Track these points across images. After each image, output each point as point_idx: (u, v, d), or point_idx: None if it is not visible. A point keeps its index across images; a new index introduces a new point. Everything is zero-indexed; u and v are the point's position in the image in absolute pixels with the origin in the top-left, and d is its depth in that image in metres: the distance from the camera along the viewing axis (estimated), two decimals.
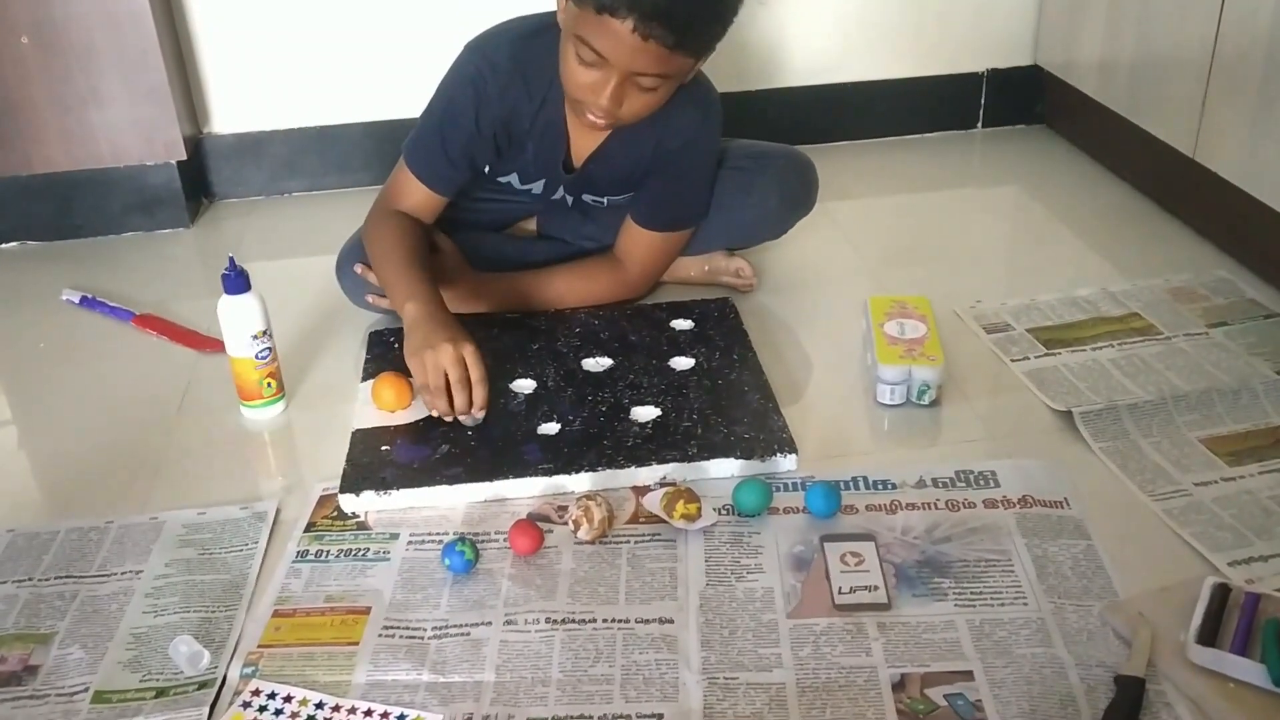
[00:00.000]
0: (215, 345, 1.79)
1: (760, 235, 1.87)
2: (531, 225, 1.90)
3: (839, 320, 1.76)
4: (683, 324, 1.72)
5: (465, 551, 1.27)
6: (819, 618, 1.21)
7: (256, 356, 1.56)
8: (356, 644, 1.21)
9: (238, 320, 1.54)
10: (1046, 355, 1.65)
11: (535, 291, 1.77)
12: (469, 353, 1.45)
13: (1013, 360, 1.64)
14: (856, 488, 1.39)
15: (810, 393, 1.60)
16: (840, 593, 1.24)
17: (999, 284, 1.87)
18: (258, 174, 2.35)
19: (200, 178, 2.32)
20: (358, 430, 1.50)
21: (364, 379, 1.62)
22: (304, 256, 2.09)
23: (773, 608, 1.22)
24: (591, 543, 1.32)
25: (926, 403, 1.54)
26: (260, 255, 2.13)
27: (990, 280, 1.88)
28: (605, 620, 1.21)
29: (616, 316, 1.75)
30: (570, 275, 1.79)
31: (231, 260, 1.53)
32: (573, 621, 1.21)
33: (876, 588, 1.24)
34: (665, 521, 1.33)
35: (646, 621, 1.21)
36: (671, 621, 1.21)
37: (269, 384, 1.59)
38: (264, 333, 1.56)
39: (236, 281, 1.53)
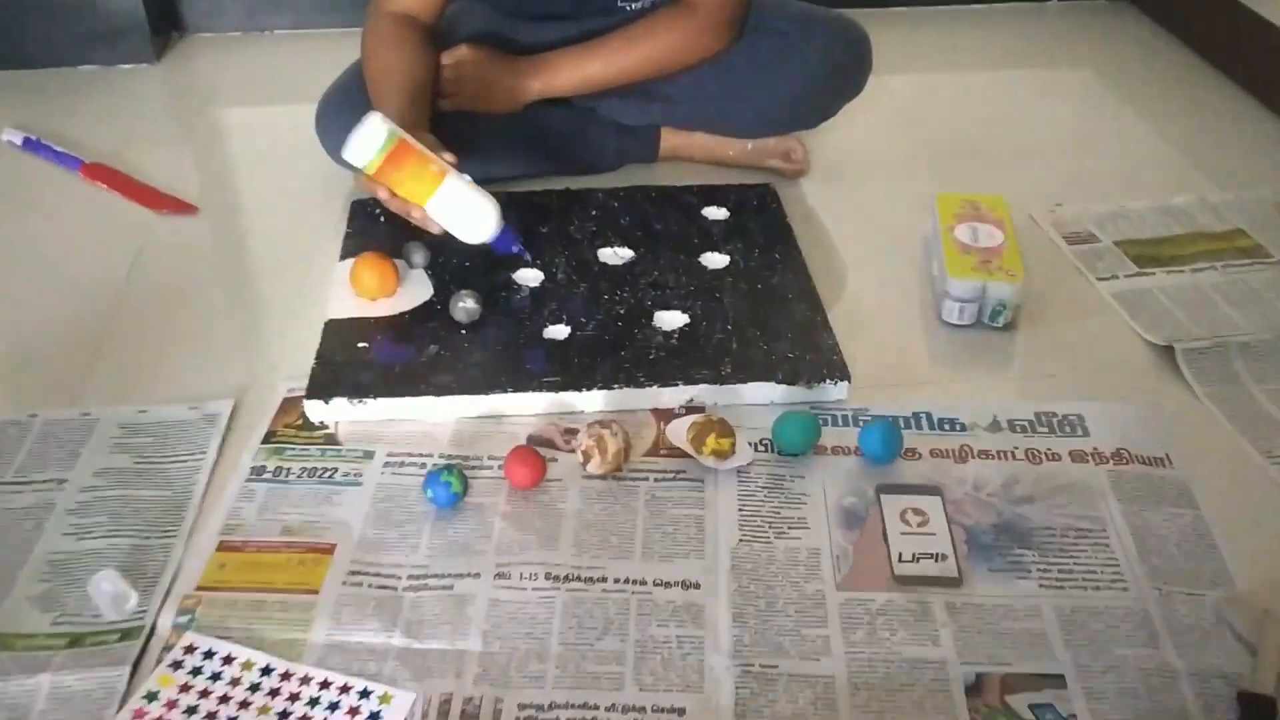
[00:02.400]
0: (176, 205, 1.55)
1: (799, 118, 1.59)
2: None
3: (898, 218, 1.52)
4: (716, 213, 1.48)
5: (451, 483, 1.06)
6: (875, 591, 1.00)
7: None
8: (316, 592, 1.00)
9: None
10: (1139, 275, 1.41)
11: (585, 62, 1.49)
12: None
13: (1099, 279, 1.41)
14: (919, 426, 1.18)
15: (862, 305, 1.36)
16: (900, 560, 1.03)
17: (1080, 185, 1.62)
18: (235, 6, 2.08)
19: (169, 6, 2.05)
20: (332, 321, 1.27)
21: (343, 257, 1.38)
22: (284, 104, 1.82)
23: (818, 574, 1.01)
24: (603, 478, 1.11)
25: (1000, 325, 1.31)
26: (235, 100, 1.89)
27: (1069, 180, 1.64)
28: (618, 580, 1.01)
29: (639, 199, 1.51)
30: (626, 35, 1.48)
31: None
32: (578, 579, 1.01)
33: (945, 557, 1.03)
34: (692, 457, 1.11)
35: (667, 585, 1.00)
36: (698, 586, 1.00)
37: None
38: None
39: None
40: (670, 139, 1.62)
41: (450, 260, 1.36)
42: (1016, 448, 1.15)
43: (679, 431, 1.13)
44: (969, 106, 1.87)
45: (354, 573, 1.02)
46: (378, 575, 1.01)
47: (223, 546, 1.04)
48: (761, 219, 1.47)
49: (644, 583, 1.00)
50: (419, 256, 1.35)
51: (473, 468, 1.12)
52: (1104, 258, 1.44)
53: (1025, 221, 1.51)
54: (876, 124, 1.76)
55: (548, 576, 1.01)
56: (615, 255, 1.39)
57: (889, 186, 1.61)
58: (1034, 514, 1.07)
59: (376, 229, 1.43)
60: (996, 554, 1.03)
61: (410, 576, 1.01)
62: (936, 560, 1.03)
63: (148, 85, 1.93)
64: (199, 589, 1.00)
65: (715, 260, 1.38)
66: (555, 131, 1.57)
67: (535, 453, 1.10)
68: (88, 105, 1.84)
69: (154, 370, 1.26)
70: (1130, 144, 1.76)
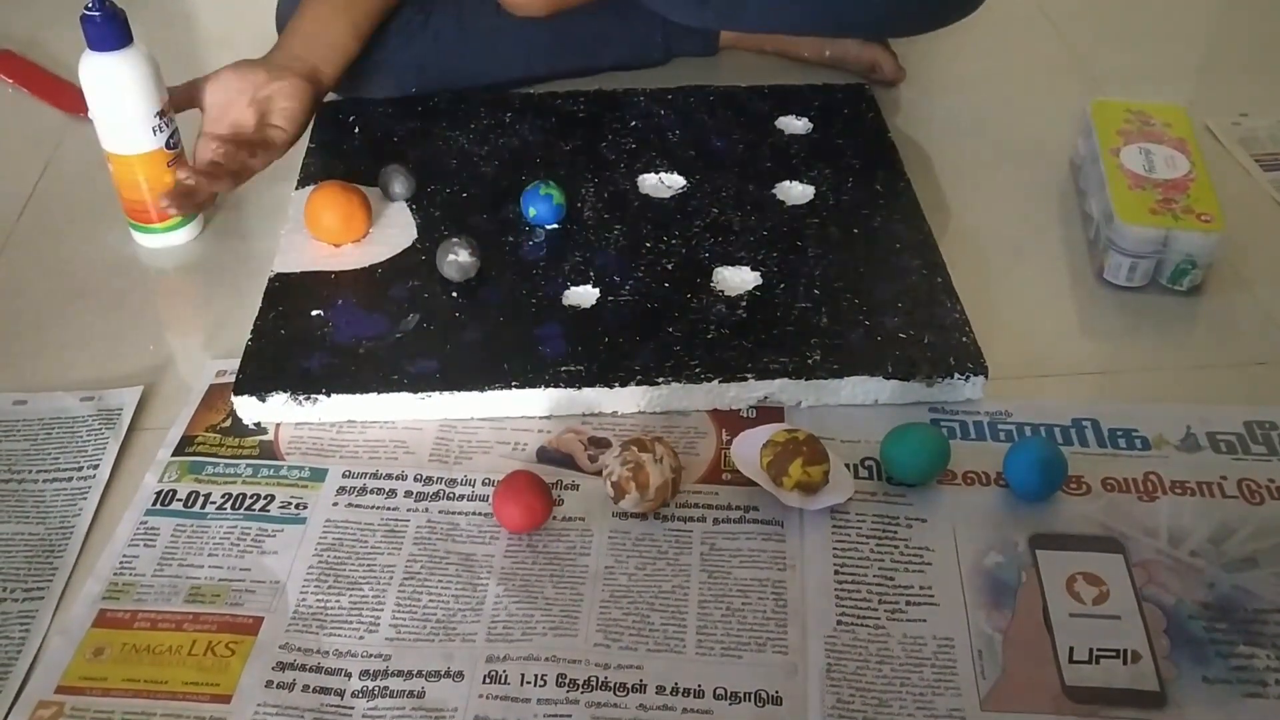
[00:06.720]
0: None
1: (926, 14, 1.16)
2: None
3: (1034, 133, 1.16)
4: (795, 124, 1.13)
5: (553, 195, 0.97)
6: (1038, 713, 0.68)
7: (167, 145, 0.99)
8: (228, 700, 0.69)
9: (118, 92, 0.96)
10: None
11: None
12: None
13: None
14: (1082, 441, 0.84)
15: (990, 257, 1.02)
16: (1072, 660, 0.71)
17: (1275, 86, 1.25)
18: None
19: None
20: (278, 276, 0.95)
21: (299, 185, 1.05)
22: None
23: (954, 682, 0.70)
24: (642, 516, 0.79)
25: (1184, 288, 0.96)
26: None
27: (1260, 79, 1.26)
28: (661, 689, 0.69)
29: (694, 104, 1.16)
30: None
31: None
32: (604, 686, 0.69)
33: (1138, 656, 0.71)
34: (765, 489, 0.79)
35: (734, 698, 0.69)
36: (778, 701, 0.69)
37: None
38: (168, 108, 0.99)
39: (107, 29, 0.94)
40: None
41: (442, 191, 1.03)
42: (1225, 477, 0.82)
43: (749, 455, 0.81)
44: None
45: (284, 665, 0.71)
46: (318, 671, 0.70)
47: (103, 619, 0.74)
48: (858, 133, 1.12)
49: (699, 694, 0.69)
50: (400, 185, 1.02)
51: (461, 496, 0.81)
52: None
53: (1200, 136, 1.14)
54: (998, 4, 1.38)
55: (560, 681, 0.69)
56: (661, 184, 1.05)
57: (1022, 91, 1.24)
58: (1261, 585, 0.75)
59: (348, 145, 1.10)
60: (1213, 653, 0.71)
61: (364, 674, 0.70)
62: (1125, 662, 0.71)
63: None
64: (61, 690, 0.70)
65: (795, 192, 1.04)
66: (582, 16, 1.21)
67: (535, 483, 0.78)
68: None
69: (39, 340, 0.95)
70: None
